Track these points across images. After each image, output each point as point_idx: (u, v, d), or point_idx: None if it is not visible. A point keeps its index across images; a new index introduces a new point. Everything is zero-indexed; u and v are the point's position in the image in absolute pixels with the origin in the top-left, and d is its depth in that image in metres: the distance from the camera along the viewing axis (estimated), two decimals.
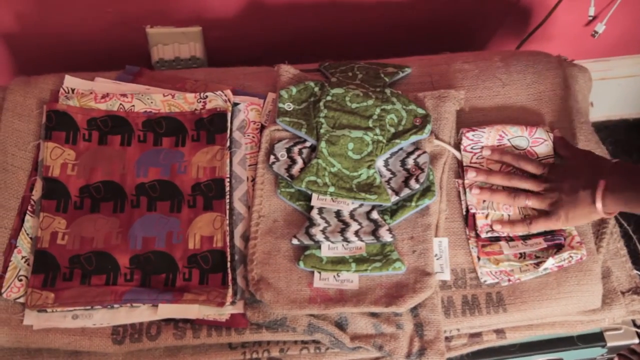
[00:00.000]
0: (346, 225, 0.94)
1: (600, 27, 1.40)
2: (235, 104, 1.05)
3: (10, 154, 0.97)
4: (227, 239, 0.94)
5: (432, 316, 0.91)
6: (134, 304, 0.89)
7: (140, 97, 1.03)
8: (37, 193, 0.96)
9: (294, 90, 1.03)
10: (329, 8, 1.29)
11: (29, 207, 0.94)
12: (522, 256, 0.95)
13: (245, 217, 0.97)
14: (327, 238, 0.92)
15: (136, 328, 0.89)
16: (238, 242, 0.95)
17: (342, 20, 1.32)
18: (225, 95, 1.04)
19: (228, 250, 0.93)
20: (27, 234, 0.93)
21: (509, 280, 0.94)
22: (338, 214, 0.95)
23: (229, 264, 0.92)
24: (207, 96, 1.04)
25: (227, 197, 0.97)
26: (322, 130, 0.98)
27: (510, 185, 0.98)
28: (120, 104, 1.03)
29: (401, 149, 1.00)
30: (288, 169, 0.97)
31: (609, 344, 0.98)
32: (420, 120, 1.00)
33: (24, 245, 0.92)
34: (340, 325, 0.90)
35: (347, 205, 0.95)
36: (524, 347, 0.97)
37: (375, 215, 0.94)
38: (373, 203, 0.94)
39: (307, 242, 0.92)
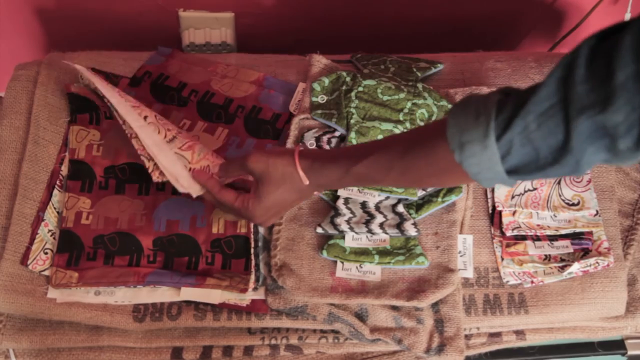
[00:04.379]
0: (371, 217, 0.93)
1: None
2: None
3: (42, 127, 0.98)
4: (251, 225, 0.94)
5: (453, 313, 0.90)
6: (156, 285, 0.89)
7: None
8: (66, 169, 0.96)
9: (327, 81, 1.03)
10: (363, 1, 1.29)
11: (58, 182, 0.95)
12: (547, 258, 0.95)
13: None
14: (351, 228, 0.92)
15: (157, 307, 0.90)
16: (262, 229, 0.95)
17: (375, 13, 1.32)
18: None
19: (252, 236, 0.93)
20: (55, 208, 0.94)
21: (532, 282, 0.94)
22: (364, 205, 0.95)
23: (252, 250, 0.92)
24: None
25: None
26: (352, 121, 0.98)
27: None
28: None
29: None
30: None
31: (630, 352, 0.97)
32: None
33: (51, 218, 0.93)
34: (361, 317, 0.90)
35: (373, 197, 0.94)
36: (543, 350, 0.96)
37: (400, 208, 0.94)
38: (399, 196, 0.94)
39: (331, 231, 0.92)
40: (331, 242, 0.92)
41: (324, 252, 0.92)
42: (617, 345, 0.97)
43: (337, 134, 1.00)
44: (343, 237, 0.93)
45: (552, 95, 0.56)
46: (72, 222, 0.92)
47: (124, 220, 0.94)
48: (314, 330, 0.91)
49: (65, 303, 0.88)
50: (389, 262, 0.91)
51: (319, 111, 1.01)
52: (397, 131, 0.97)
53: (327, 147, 0.98)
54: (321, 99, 1.02)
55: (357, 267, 0.92)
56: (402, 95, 1.00)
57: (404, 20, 1.34)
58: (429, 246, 0.94)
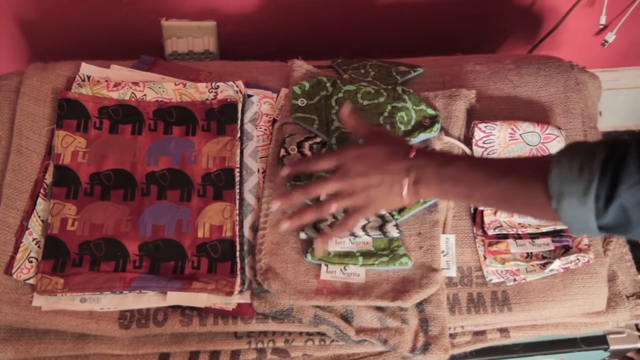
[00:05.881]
0: None
1: (610, 37, 1.41)
2: (249, 96, 1.05)
3: (25, 137, 0.98)
4: (237, 228, 0.95)
5: (438, 312, 0.91)
6: (143, 290, 0.90)
7: (152, 86, 1.04)
8: (49, 177, 0.96)
9: (307, 85, 1.04)
10: (343, 6, 1.30)
11: (42, 190, 0.95)
12: (529, 256, 0.96)
13: (255, 208, 0.98)
14: None
15: (143, 313, 0.90)
16: (247, 233, 0.96)
17: (356, 19, 1.34)
18: (237, 86, 1.05)
19: (237, 239, 0.94)
20: (39, 217, 0.94)
21: (515, 280, 0.95)
22: (346, 209, 0.95)
23: (237, 253, 0.93)
24: (218, 86, 1.05)
25: (237, 187, 0.98)
26: (332, 127, 0.99)
27: (312, 198, 0.88)
28: (132, 92, 1.03)
29: None
30: None
31: (612, 347, 0.98)
32: (429, 121, 1.01)
33: (35, 227, 0.93)
34: (346, 318, 0.91)
35: None
36: (527, 347, 0.97)
37: (382, 210, 0.95)
38: None
39: (314, 235, 0.93)
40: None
41: (309, 256, 0.92)
42: (599, 341, 0.99)
43: (318, 139, 1.01)
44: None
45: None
46: (57, 228, 0.92)
47: (109, 226, 0.94)
48: (300, 333, 0.92)
49: (51, 311, 0.88)
50: (372, 264, 0.92)
51: (299, 114, 1.02)
52: None
53: (308, 153, 0.99)
54: (301, 102, 1.03)
55: (341, 270, 0.92)
56: (381, 100, 1.01)
57: (384, 25, 1.36)
58: (412, 246, 0.95)
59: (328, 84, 1.04)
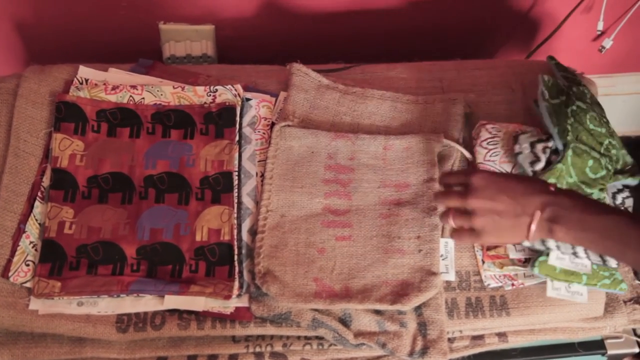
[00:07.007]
0: None
1: (607, 43, 1.41)
2: (247, 100, 1.06)
3: (22, 140, 0.98)
4: (235, 232, 0.94)
5: (436, 316, 0.91)
6: (140, 294, 0.89)
7: (150, 89, 1.04)
8: (47, 180, 0.96)
9: (550, 82, 1.03)
10: (342, 10, 1.30)
11: (39, 194, 0.95)
12: (527, 261, 0.96)
13: (253, 212, 0.98)
14: (558, 247, 0.90)
15: (140, 317, 0.89)
16: (245, 236, 0.96)
17: (354, 24, 1.34)
18: (235, 90, 1.05)
19: (235, 243, 0.94)
20: (36, 220, 0.93)
21: (513, 284, 0.95)
22: None
23: (236, 257, 0.93)
24: (216, 90, 1.05)
25: (235, 190, 0.98)
26: (569, 138, 0.97)
27: (441, 205, 0.91)
28: (130, 96, 1.03)
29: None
30: (532, 163, 0.97)
31: (609, 352, 0.98)
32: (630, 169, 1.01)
33: (32, 230, 0.93)
34: (344, 322, 0.90)
35: None
36: (525, 352, 0.97)
37: None
38: None
39: (538, 247, 0.90)
40: (541, 259, 0.92)
41: (536, 269, 0.91)
42: (597, 345, 0.98)
43: (550, 144, 0.98)
44: (548, 255, 0.91)
45: None
46: (54, 231, 0.92)
47: (107, 229, 0.94)
48: (298, 337, 0.92)
49: (48, 315, 0.88)
50: (595, 284, 0.92)
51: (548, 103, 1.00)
52: (603, 162, 0.97)
53: (542, 155, 0.97)
54: (549, 94, 1.01)
55: (566, 287, 0.93)
56: (603, 130, 0.99)
57: (383, 29, 1.36)
58: (412, 250, 0.94)
59: (564, 89, 1.02)
